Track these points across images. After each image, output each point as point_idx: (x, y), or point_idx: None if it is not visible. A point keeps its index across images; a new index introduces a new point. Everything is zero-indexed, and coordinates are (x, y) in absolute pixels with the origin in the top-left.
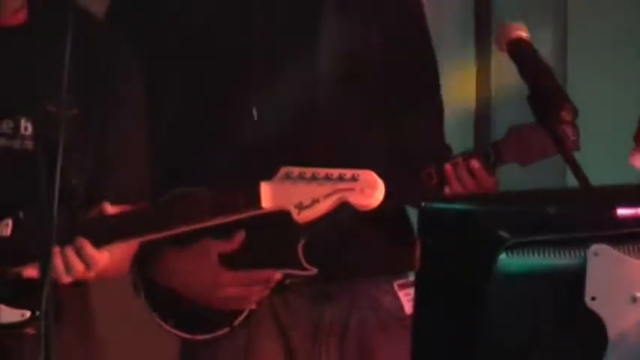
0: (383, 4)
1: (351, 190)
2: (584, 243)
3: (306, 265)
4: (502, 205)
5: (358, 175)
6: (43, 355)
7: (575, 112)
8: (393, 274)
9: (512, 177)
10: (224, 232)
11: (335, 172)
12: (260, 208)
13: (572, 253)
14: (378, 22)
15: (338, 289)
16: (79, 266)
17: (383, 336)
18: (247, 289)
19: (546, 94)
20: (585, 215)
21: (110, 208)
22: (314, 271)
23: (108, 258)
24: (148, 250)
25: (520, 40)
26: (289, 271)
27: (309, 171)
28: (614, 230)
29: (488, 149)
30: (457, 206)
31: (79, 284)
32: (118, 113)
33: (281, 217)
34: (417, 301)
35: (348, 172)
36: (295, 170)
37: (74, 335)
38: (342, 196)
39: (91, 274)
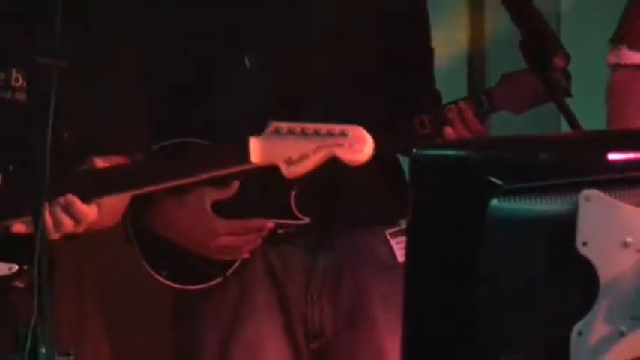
0: None
1: (340, 145)
2: (576, 188)
3: (298, 214)
4: (493, 152)
5: (347, 131)
6: (37, 309)
7: (567, 59)
8: (386, 223)
9: (506, 125)
10: (218, 181)
11: (324, 127)
12: (249, 163)
13: (564, 198)
14: None
15: (331, 239)
16: (67, 222)
17: (376, 283)
18: (241, 238)
19: (538, 40)
20: (577, 161)
21: (101, 162)
22: (306, 220)
23: (97, 212)
24: (142, 200)
25: None
26: (282, 220)
27: (298, 126)
28: (606, 175)
29: (482, 97)
30: (448, 153)
31: (69, 238)
32: (110, 65)
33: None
34: (409, 249)
35: (337, 128)
36: (284, 126)
37: (65, 290)
38: (331, 152)
39: (80, 229)
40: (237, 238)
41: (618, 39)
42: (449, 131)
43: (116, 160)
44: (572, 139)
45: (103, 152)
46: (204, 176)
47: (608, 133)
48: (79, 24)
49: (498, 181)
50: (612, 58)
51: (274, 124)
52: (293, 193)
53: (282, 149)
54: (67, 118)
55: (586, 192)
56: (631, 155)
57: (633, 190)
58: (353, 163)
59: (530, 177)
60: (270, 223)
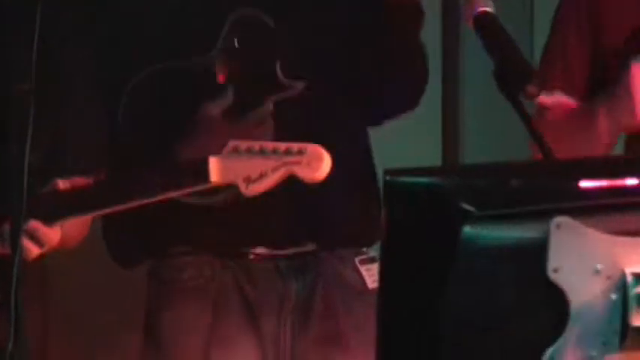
0: None
1: (298, 163)
2: (548, 215)
3: (286, 81)
4: (465, 178)
5: (305, 149)
6: (13, 337)
7: (540, 88)
8: (355, 248)
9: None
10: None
11: (282, 145)
12: (209, 182)
13: (536, 225)
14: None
15: (303, 264)
16: (33, 248)
17: (347, 309)
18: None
19: (512, 68)
20: (548, 188)
21: (62, 184)
22: (299, 85)
23: (60, 234)
24: None
25: (485, 14)
26: (276, 96)
27: (256, 144)
28: (578, 202)
29: None
30: (421, 179)
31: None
32: (70, 87)
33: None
34: (383, 274)
35: (295, 146)
36: (243, 144)
37: (33, 309)
38: (289, 169)
39: (44, 250)
40: (257, 133)
41: (551, 85)
42: None
43: (78, 181)
44: (544, 166)
45: (64, 174)
46: (164, 195)
47: (580, 160)
48: (38, 47)
49: (471, 208)
50: (546, 101)
51: (232, 143)
52: (278, 65)
53: (241, 168)
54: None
55: (557, 219)
56: (603, 183)
57: (604, 217)
58: (311, 180)
59: (502, 203)
60: (270, 106)
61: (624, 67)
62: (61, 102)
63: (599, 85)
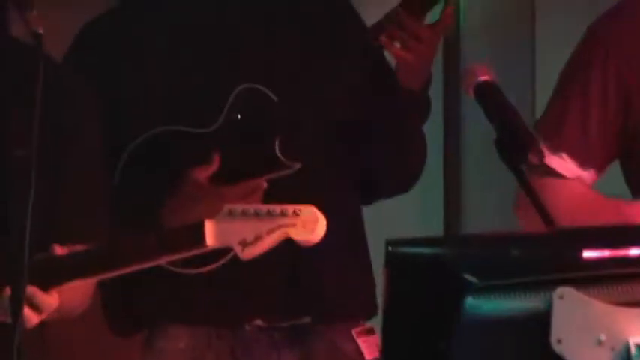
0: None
1: (293, 225)
2: (550, 285)
3: (286, 161)
4: (468, 249)
5: (300, 211)
6: None
7: (542, 155)
8: (353, 320)
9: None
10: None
11: (277, 207)
12: (205, 245)
13: (539, 295)
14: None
15: (298, 335)
16: (31, 315)
17: None
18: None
19: (513, 137)
20: (551, 258)
21: (60, 249)
22: (297, 165)
23: (58, 300)
24: None
25: (486, 83)
26: (273, 173)
27: (251, 207)
28: (580, 273)
29: None
30: (423, 250)
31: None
32: (70, 153)
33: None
34: (384, 344)
35: (290, 208)
36: (238, 207)
37: None
38: (285, 232)
39: (43, 316)
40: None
41: (557, 145)
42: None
43: (76, 246)
44: (546, 236)
45: (61, 240)
46: (161, 259)
47: (582, 229)
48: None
49: (473, 279)
50: (554, 164)
51: (227, 206)
52: (277, 141)
53: (237, 231)
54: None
55: (560, 289)
56: (605, 253)
57: (608, 287)
58: (306, 242)
59: (504, 274)
60: (263, 183)
61: None
62: (59, 166)
63: (628, 160)
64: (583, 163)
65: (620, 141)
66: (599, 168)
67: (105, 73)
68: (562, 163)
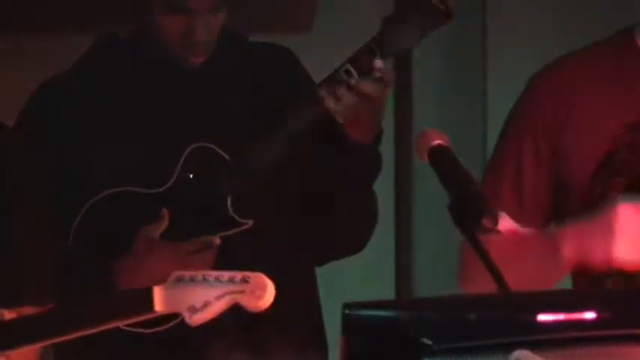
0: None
1: (242, 292)
2: (507, 348)
3: (239, 219)
4: (424, 312)
5: (248, 278)
6: None
7: (496, 220)
8: None
9: None
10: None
11: (225, 274)
12: (153, 311)
13: (495, 358)
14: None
15: None
16: None
17: None
18: (196, 258)
19: (467, 202)
20: (507, 321)
21: (8, 314)
22: (249, 222)
23: None
24: None
25: (439, 148)
26: (226, 232)
27: (199, 274)
28: (536, 336)
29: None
30: (380, 313)
31: None
32: (18, 216)
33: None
34: None
35: (238, 275)
36: (187, 274)
37: None
38: (234, 298)
39: None
40: (196, 258)
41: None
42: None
43: (25, 310)
44: (502, 299)
45: (8, 304)
46: (110, 324)
47: (537, 293)
48: None
49: (429, 342)
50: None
51: (175, 273)
52: (229, 200)
53: (185, 297)
54: None
55: (517, 352)
56: (560, 316)
57: (563, 350)
58: (255, 309)
59: (460, 337)
60: (217, 239)
61: (607, 204)
62: (8, 230)
63: (559, 212)
64: (522, 225)
65: (554, 199)
66: (539, 227)
67: (56, 137)
68: (502, 222)
